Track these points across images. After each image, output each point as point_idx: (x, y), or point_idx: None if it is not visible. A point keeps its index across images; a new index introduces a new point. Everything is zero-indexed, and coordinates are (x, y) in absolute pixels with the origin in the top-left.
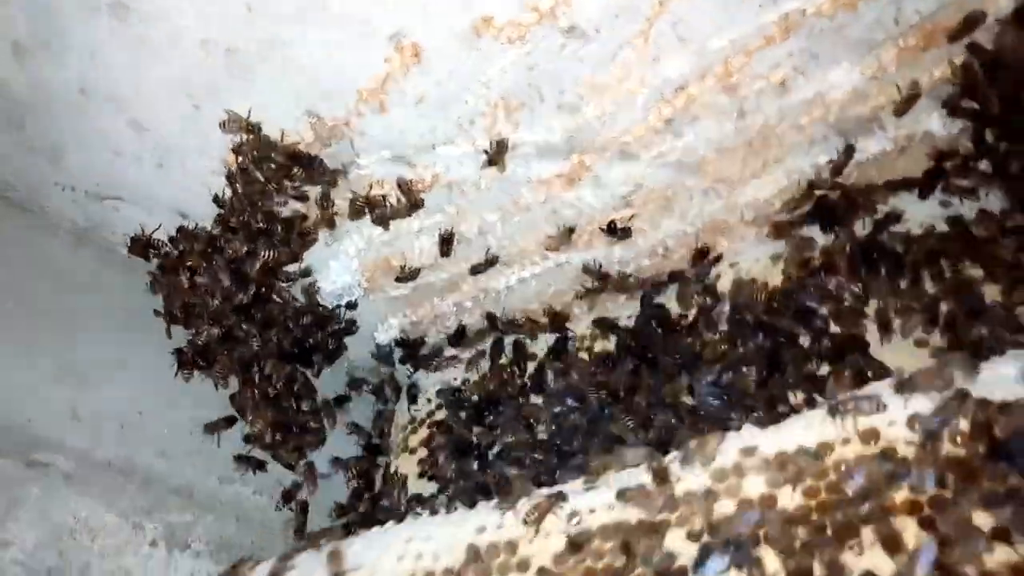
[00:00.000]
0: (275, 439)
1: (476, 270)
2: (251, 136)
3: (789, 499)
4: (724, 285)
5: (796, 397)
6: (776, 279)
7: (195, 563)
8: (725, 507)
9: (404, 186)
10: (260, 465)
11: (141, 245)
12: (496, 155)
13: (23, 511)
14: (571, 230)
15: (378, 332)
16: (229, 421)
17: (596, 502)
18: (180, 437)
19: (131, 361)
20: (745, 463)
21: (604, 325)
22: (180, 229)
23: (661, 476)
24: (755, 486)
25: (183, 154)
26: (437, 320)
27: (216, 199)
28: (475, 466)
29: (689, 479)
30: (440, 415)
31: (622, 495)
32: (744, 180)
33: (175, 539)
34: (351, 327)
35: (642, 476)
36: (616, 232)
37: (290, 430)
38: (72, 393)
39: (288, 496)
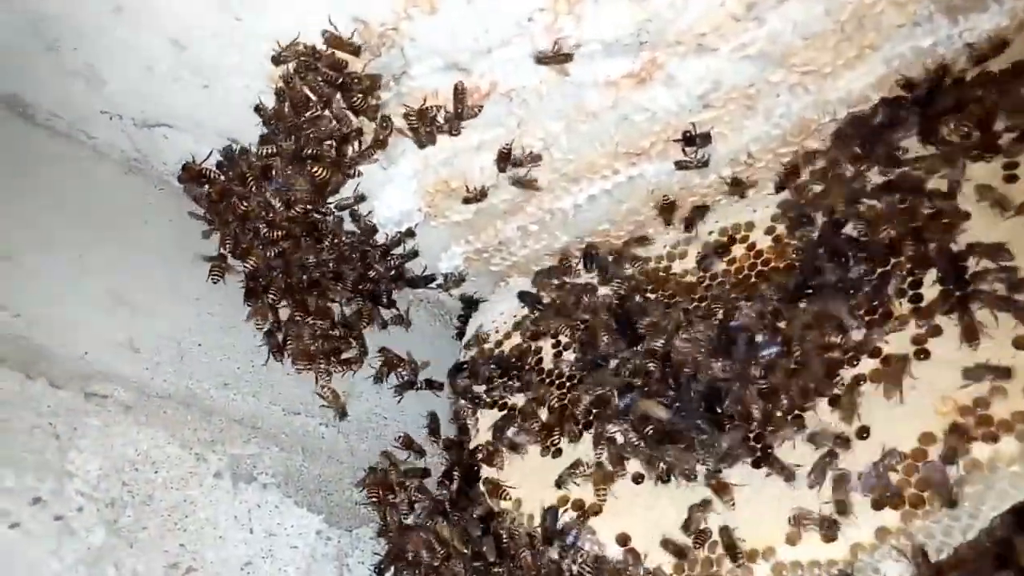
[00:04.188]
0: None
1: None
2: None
3: None
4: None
5: None
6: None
7: (262, 494)
8: None
9: (459, 92)
10: None
11: (192, 174)
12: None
13: (84, 443)
14: None
15: (441, 261)
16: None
17: None
18: (242, 368)
19: (188, 291)
20: None
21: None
22: (226, 153)
23: None
24: None
25: (227, 73)
26: (502, 246)
27: (258, 108)
28: None
29: None
30: None
31: None
32: (836, 72)
33: (240, 471)
34: (412, 256)
35: None
36: (694, 140)
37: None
38: (129, 324)
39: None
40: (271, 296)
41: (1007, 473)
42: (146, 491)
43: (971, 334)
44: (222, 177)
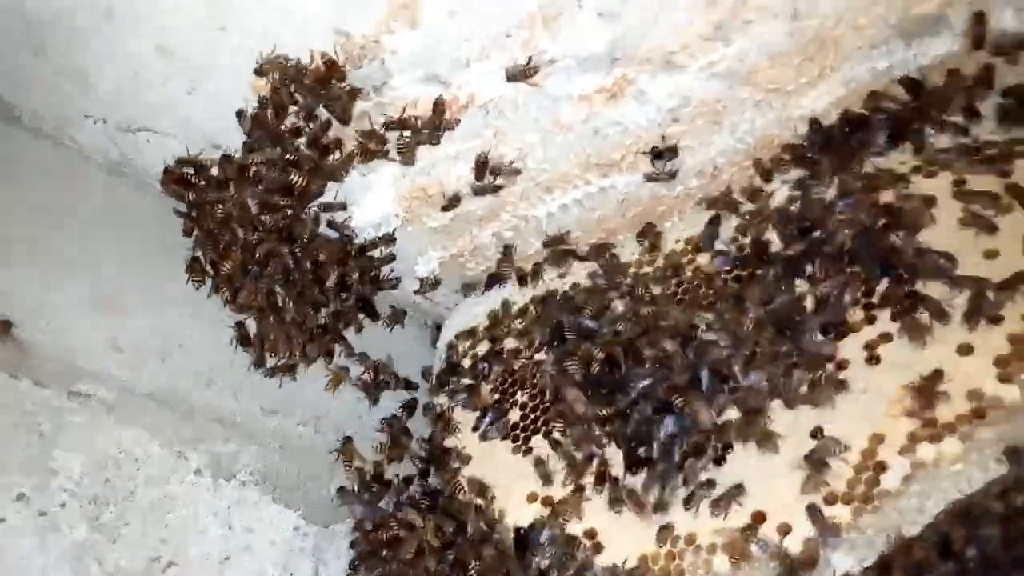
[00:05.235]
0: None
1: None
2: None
3: None
4: (777, 202)
5: None
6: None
7: (241, 492)
8: None
9: (439, 106)
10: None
11: (173, 178)
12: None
13: (68, 440)
14: None
15: (417, 265)
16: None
17: None
18: (222, 368)
19: (171, 292)
20: None
21: None
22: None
23: None
24: None
25: (212, 80)
26: (476, 252)
27: (239, 115)
28: None
29: None
30: None
31: None
32: (799, 90)
33: (220, 468)
34: (388, 260)
35: None
36: (662, 155)
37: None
38: (112, 324)
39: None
40: (238, 301)
41: (949, 472)
42: (128, 488)
43: (916, 333)
44: (202, 181)
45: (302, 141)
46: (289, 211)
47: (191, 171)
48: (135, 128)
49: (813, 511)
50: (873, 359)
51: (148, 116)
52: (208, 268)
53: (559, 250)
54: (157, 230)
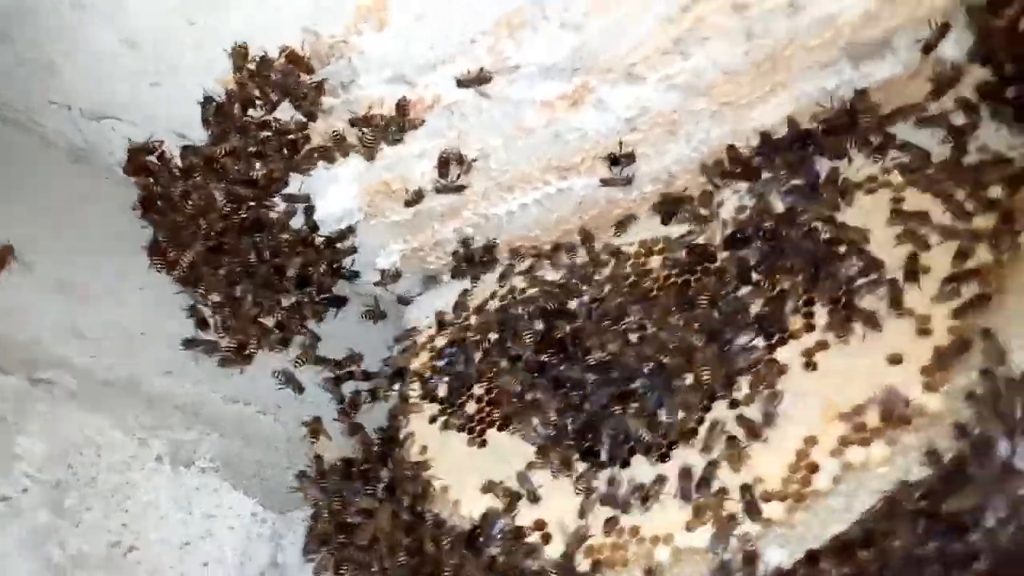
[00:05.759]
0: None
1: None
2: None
3: None
4: (727, 211)
5: None
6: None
7: (201, 479)
8: None
9: (401, 106)
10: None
11: (136, 167)
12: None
13: (31, 426)
14: None
15: (379, 257)
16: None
17: None
18: (184, 356)
19: (133, 280)
20: None
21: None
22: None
23: None
24: None
25: (179, 72)
26: (438, 246)
27: (204, 108)
28: None
29: None
30: None
31: None
32: (751, 104)
33: (180, 456)
34: (350, 251)
35: None
36: (619, 161)
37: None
38: (75, 311)
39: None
40: (200, 291)
41: (877, 474)
42: (90, 474)
43: (842, 330)
44: (166, 171)
45: (268, 133)
46: (252, 202)
47: (153, 159)
48: (99, 116)
49: (745, 490)
50: (810, 365)
51: (113, 105)
52: (170, 254)
53: (516, 248)
54: (120, 217)
